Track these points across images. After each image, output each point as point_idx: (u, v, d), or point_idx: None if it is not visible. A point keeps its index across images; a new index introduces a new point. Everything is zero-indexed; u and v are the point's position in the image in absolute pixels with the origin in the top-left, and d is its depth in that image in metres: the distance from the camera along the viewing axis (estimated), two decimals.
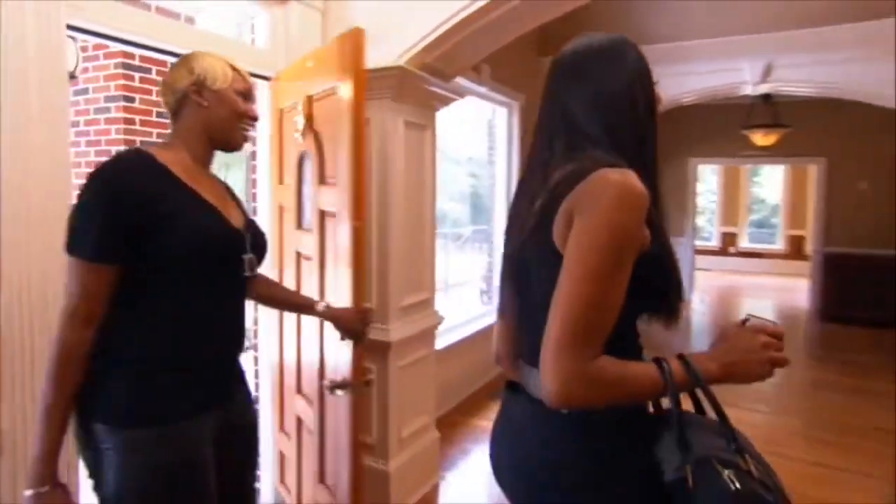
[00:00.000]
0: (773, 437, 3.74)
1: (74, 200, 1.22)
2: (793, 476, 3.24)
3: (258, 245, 1.45)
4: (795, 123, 6.94)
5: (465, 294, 5.13)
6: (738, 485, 0.84)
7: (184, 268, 1.25)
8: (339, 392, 1.85)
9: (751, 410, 4.24)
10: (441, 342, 4.00)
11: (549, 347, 0.90)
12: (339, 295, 1.93)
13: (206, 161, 1.42)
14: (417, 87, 2.60)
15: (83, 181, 1.20)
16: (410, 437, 2.78)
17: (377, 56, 2.48)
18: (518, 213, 1.13)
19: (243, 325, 1.47)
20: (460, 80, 4.08)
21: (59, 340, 1.17)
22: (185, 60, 1.38)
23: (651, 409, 1.06)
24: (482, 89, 4.46)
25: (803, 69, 4.62)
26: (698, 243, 12.41)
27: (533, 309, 1.05)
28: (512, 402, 1.17)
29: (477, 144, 5.13)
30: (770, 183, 13.75)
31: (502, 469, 1.16)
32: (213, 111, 1.36)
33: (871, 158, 7.14)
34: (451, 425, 3.76)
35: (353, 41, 1.85)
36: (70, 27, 1.70)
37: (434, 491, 2.95)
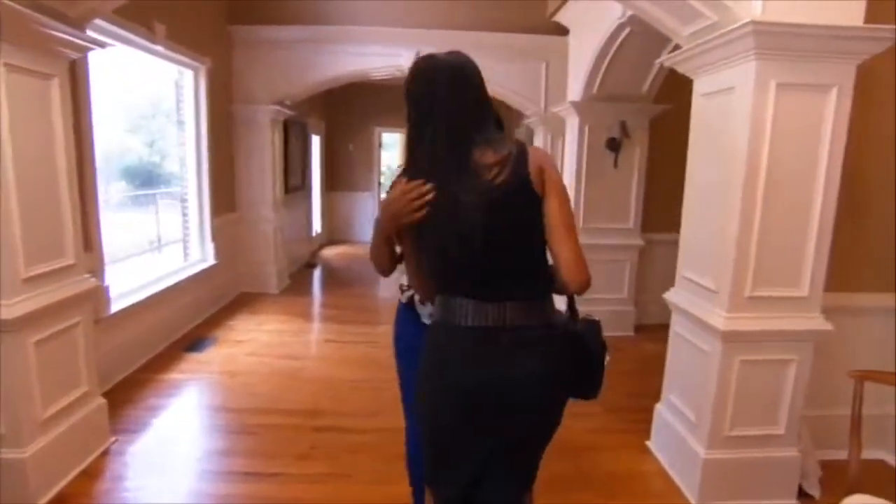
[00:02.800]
0: None
1: None
2: None
3: None
4: None
5: (176, 251, 4.29)
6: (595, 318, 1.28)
7: None
8: None
9: None
10: (132, 299, 3.27)
11: (577, 251, 1.16)
12: None
13: None
14: (17, 23, 1.81)
15: None
16: (58, 414, 2.10)
17: None
18: (463, 186, 1.14)
19: None
20: (130, 35, 3.21)
21: None
22: None
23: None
24: (157, 48, 3.58)
25: None
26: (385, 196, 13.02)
27: (515, 240, 1.18)
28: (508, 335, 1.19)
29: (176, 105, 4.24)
30: None
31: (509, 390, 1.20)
32: None
33: None
34: (138, 384, 3.09)
35: None
36: None
37: (104, 456, 2.34)
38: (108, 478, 2.22)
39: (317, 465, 2.34)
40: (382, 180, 8.75)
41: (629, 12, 2.78)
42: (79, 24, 2.11)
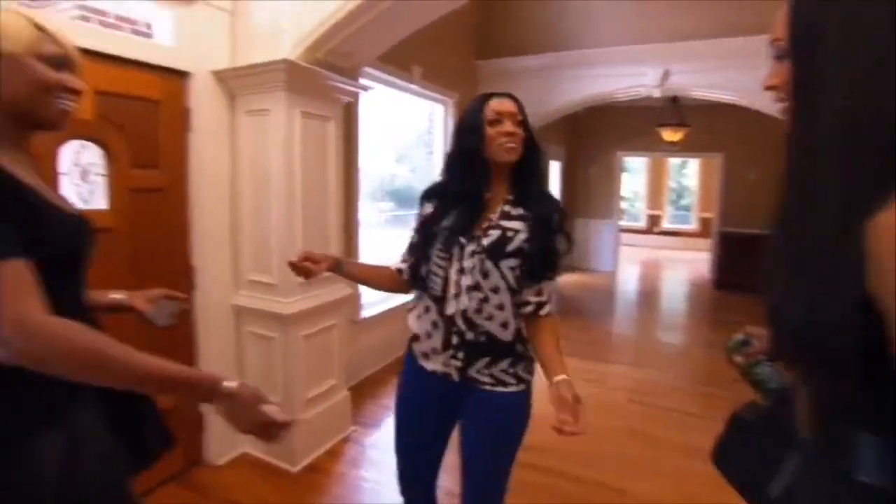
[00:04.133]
0: (654, 389, 3.54)
1: None
2: (658, 422, 3.05)
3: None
4: (698, 123, 6.66)
5: None
6: None
7: None
8: None
9: (639, 366, 4.05)
10: (383, 307, 3.77)
11: None
12: None
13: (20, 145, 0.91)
14: (311, 79, 2.28)
15: None
16: (317, 397, 2.53)
17: (273, 51, 2.18)
18: None
19: None
20: (393, 79, 3.79)
21: None
22: None
23: None
24: (414, 87, 4.13)
25: (695, 75, 4.35)
26: (629, 224, 12.21)
27: None
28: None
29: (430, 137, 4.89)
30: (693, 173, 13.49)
31: None
32: (5, 82, 0.84)
33: (758, 153, 6.85)
34: (379, 382, 3.53)
35: None
36: None
37: (345, 441, 2.72)
38: (346, 461, 2.55)
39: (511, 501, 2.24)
40: (624, 206, 8.26)
41: None
42: (351, 73, 2.56)
